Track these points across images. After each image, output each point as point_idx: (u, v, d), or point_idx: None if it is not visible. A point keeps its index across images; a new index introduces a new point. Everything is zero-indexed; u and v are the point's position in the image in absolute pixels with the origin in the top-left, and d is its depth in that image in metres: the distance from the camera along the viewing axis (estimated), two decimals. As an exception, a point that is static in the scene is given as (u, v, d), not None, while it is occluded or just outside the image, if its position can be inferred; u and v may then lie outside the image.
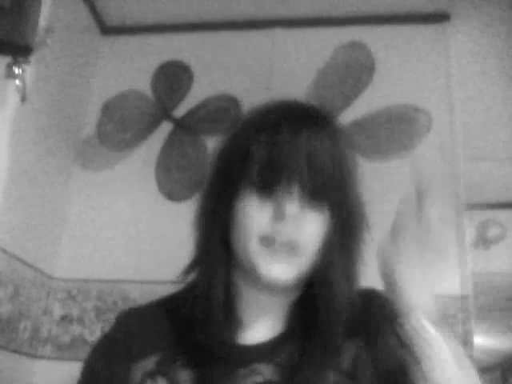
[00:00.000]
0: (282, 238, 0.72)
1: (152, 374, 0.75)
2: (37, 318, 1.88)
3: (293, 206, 0.72)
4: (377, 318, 0.79)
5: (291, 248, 0.73)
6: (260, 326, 0.79)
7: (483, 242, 3.56)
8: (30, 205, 1.82)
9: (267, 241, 0.73)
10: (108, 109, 2.23)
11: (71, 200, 2.10)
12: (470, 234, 2.87)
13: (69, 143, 2.12)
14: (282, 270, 0.73)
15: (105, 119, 2.21)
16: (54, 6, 1.84)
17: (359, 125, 2.05)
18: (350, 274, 0.78)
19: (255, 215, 0.74)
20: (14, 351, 1.74)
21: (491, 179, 3.35)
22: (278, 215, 0.72)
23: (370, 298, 0.83)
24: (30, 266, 1.82)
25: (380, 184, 1.96)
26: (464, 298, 1.79)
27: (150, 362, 0.76)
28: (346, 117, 2.06)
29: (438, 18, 2.16)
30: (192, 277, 0.83)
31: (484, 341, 6.14)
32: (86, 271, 2.00)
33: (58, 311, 1.95)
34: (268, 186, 0.74)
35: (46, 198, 1.94)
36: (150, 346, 0.78)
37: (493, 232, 3.55)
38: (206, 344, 0.74)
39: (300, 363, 0.73)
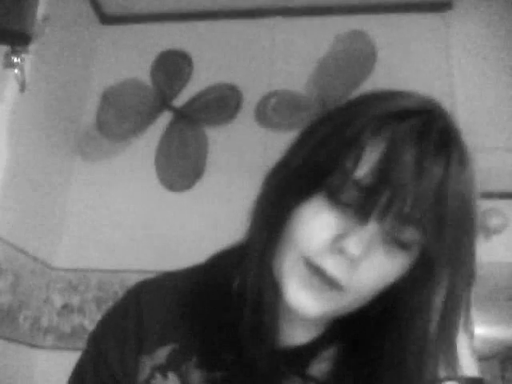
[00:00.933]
0: (328, 272, 0.55)
1: (163, 368, 0.64)
2: (37, 308, 1.88)
3: (361, 244, 0.54)
4: None
5: (333, 286, 0.56)
6: (297, 329, 0.66)
7: (484, 231, 3.56)
8: (30, 195, 1.82)
9: (309, 265, 0.56)
10: (108, 98, 2.22)
11: (71, 190, 2.10)
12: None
13: (68, 133, 2.11)
14: (311, 303, 0.57)
15: (104, 108, 2.21)
16: (53, -5, 1.83)
17: (360, 114, 2.04)
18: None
19: (311, 233, 0.56)
20: (15, 341, 1.75)
21: (493, 169, 3.34)
22: (337, 248, 0.55)
23: None
24: (30, 256, 1.82)
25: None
26: (465, 287, 1.79)
27: (161, 354, 0.65)
28: (347, 106, 2.06)
29: (440, 6, 2.15)
30: (220, 254, 0.72)
31: (484, 330, 6.16)
32: (86, 261, 2.00)
33: (58, 301, 1.96)
34: (349, 207, 0.55)
35: (46, 188, 1.94)
36: (165, 335, 0.66)
37: (494, 222, 3.54)
38: (232, 345, 0.62)
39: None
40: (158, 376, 0.64)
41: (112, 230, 2.02)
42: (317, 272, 0.56)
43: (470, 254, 0.58)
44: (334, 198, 0.55)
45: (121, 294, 2.15)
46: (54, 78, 1.96)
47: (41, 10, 1.60)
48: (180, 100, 2.18)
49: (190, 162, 2.08)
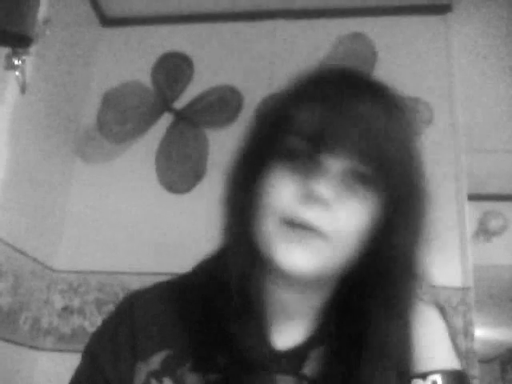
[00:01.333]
0: (306, 223, 0.59)
1: (158, 374, 0.65)
2: (38, 310, 1.88)
3: (326, 186, 0.59)
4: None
5: (317, 235, 0.59)
6: (288, 330, 0.68)
7: (485, 233, 3.56)
8: (30, 197, 1.82)
9: (288, 223, 0.60)
10: (108, 100, 2.22)
11: (72, 192, 2.10)
12: (471, 225, 2.87)
13: (69, 135, 2.11)
14: (302, 258, 0.60)
15: (105, 110, 2.21)
16: (54, -3, 1.84)
17: (360, 116, 2.04)
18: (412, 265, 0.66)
19: (280, 192, 0.60)
20: (15, 343, 1.75)
21: (493, 171, 3.35)
22: (305, 195, 0.59)
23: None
24: (30, 257, 1.82)
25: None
26: (465, 289, 1.80)
27: (156, 361, 0.66)
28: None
29: (440, 9, 2.15)
30: (206, 259, 0.74)
31: (484, 333, 6.16)
32: (86, 263, 2.00)
33: (58, 303, 1.96)
34: (303, 160, 0.61)
35: (46, 189, 1.94)
36: (159, 342, 0.67)
37: (494, 224, 3.55)
38: (233, 347, 0.63)
39: (336, 375, 0.63)
40: (154, 382, 0.65)
41: (112, 231, 2.02)
42: (298, 226, 0.59)
43: (414, 181, 0.65)
44: (291, 157, 0.61)
45: (121, 295, 2.15)
46: (54, 79, 1.96)
47: (41, 12, 1.60)
48: (181, 102, 2.18)
49: (190, 163, 2.09)
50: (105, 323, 0.74)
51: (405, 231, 0.64)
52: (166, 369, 0.65)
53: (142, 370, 0.66)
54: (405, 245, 0.64)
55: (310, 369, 0.65)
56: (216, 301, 0.66)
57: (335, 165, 0.60)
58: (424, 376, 0.65)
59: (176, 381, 0.64)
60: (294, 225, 0.60)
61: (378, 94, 0.65)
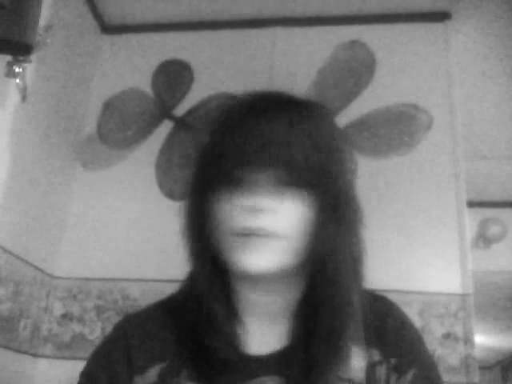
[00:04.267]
0: (256, 231, 0.68)
1: None
2: (37, 317, 1.88)
3: (261, 197, 0.69)
4: (398, 334, 0.76)
5: (266, 237, 0.69)
6: (267, 335, 0.75)
7: (484, 240, 3.56)
8: (30, 203, 1.82)
9: (242, 235, 0.69)
10: (109, 107, 2.23)
11: (72, 199, 2.10)
12: (470, 232, 2.87)
13: (69, 142, 2.12)
14: (261, 257, 0.69)
15: (105, 118, 2.22)
16: (55, 5, 1.84)
17: (360, 123, 2.05)
18: (350, 258, 0.73)
19: (228, 211, 0.70)
20: (15, 350, 1.74)
21: (492, 178, 3.35)
22: (249, 208, 0.69)
23: (387, 308, 0.79)
24: (30, 264, 1.82)
25: (381, 182, 1.97)
26: (465, 296, 1.80)
27: (152, 374, 0.72)
28: (347, 116, 2.07)
29: (439, 16, 2.16)
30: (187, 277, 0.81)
31: (484, 339, 6.15)
32: (86, 270, 2.00)
33: (58, 310, 1.95)
34: (239, 180, 0.70)
35: (46, 196, 1.94)
36: (152, 356, 0.74)
37: (494, 231, 3.55)
38: (212, 355, 0.70)
39: (307, 374, 0.69)
40: None
41: (112, 238, 2.03)
42: (248, 233, 0.68)
43: (335, 179, 0.72)
44: (230, 180, 0.71)
45: (121, 302, 2.15)
46: (55, 87, 1.97)
47: (42, 20, 1.61)
48: (181, 109, 2.18)
49: (190, 171, 2.09)
50: (100, 345, 0.80)
51: (331, 227, 0.71)
52: (162, 380, 0.71)
53: (139, 383, 0.72)
54: (335, 240, 0.71)
55: (285, 370, 0.71)
56: (194, 314, 0.73)
57: (263, 177, 0.69)
58: (403, 371, 0.74)
59: None
60: (247, 235, 0.69)
61: (289, 110, 0.74)
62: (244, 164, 0.70)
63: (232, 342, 0.72)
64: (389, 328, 0.76)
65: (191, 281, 0.78)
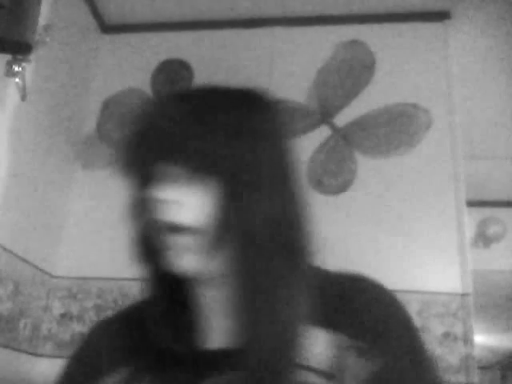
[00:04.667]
0: (170, 224, 0.68)
1: None
2: (37, 316, 1.88)
3: (164, 190, 0.68)
4: (370, 316, 0.68)
5: (187, 232, 0.68)
6: (224, 329, 0.72)
7: (484, 240, 3.56)
8: (30, 203, 1.82)
9: (163, 231, 0.69)
10: (108, 107, 2.23)
11: (71, 198, 2.10)
12: (470, 232, 2.87)
13: (69, 141, 2.12)
14: (186, 258, 0.68)
15: (105, 117, 2.22)
16: (55, 4, 1.84)
17: (359, 123, 2.05)
18: (276, 243, 0.68)
19: (148, 207, 0.70)
20: (15, 349, 1.74)
21: (492, 177, 3.35)
22: (155, 202, 0.69)
23: (359, 289, 0.71)
24: (30, 264, 1.82)
25: (380, 182, 1.97)
26: (464, 295, 1.80)
27: (117, 377, 0.73)
28: (346, 115, 2.07)
29: (439, 16, 2.16)
30: None
31: (484, 339, 6.15)
32: (86, 269, 2.00)
33: (58, 309, 1.96)
34: (145, 177, 0.72)
35: (46, 196, 1.94)
36: (118, 361, 0.74)
37: (493, 230, 3.55)
38: (169, 355, 0.69)
39: (261, 366, 0.64)
40: None
41: (112, 237, 2.02)
42: (165, 232, 0.68)
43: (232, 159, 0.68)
44: (142, 178, 0.72)
45: (120, 301, 2.15)
46: (54, 86, 1.97)
47: (42, 19, 1.61)
48: (180, 108, 2.18)
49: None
50: (73, 353, 0.82)
51: (241, 213, 0.68)
52: (126, 383, 0.72)
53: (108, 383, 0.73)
54: (248, 225, 0.68)
55: (242, 363, 0.66)
56: (149, 318, 0.73)
57: (169, 170, 0.69)
58: (371, 359, 0.67)
59: None
60: (167, 231, 0.68)
61: (191, 102, 0.73)
62: (149, 159, 0.71)
63: (188, 340, 0.71)
64: (360, 310, 0.68)
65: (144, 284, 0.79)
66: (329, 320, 0.67)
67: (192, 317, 0.74)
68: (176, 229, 0.68)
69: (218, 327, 0.73)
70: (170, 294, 0.74)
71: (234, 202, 0.68)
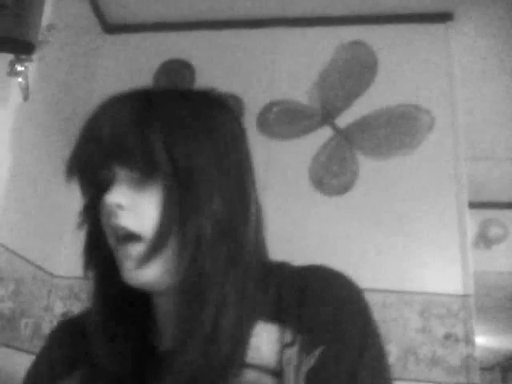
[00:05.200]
0: (121, 230, 0.66)
1: None
2: (38, 316, 1.88)
3: (116, 194, 0.66)
4: (317, 308, 0.65)
5: (136, 240, 0.65)
6: (171, 327, 0.69)
7: (485, 241, 3.56)
8: (31, 203, 1.83)
9: (117, 238, 0.67)
10: (110, 107, 2.22)
11: (72, 197, 2.10)
12: (471, 233, 2.87)
13: (71, 141, 2.12)
14: (142, 273, 0.65)
15: (107, 117, 2.21)
16: (57, 4, 1.85)
17: (361, 124, 2.05)
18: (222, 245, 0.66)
19: (104, 214, 0.68)
20: (16, 348, 1.75)
21: (493, 179, 3.35)
22: (107, 207, 0.66)
23: (310, 278, 0.68)
24: (31, 263, 1.82)
25: (382, 183, 1.97)
26: (465, 297, 1.80)
27: (74, 379, 0.72)
28: (348, 116, 2.07)
29: (441, 17, 2.16)
30: None
31: (485, 340, 6.15)
32: (87, 269, 2.00)
33: (59, 308, 1.96)
34: (98, 182, 0.70)
35: (47, 195, 1.94)
36: (75, 362, 0.73)
37: (495, 231, 3.55)
38: (122, 357, 0.68)
39: (208, 365, 0.62)
40: None
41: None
42: (120, 240, 0.66)
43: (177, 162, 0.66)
44: (92, 184, 0.72)
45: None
46: (57, 86, 1.97)
47: (45, 19, 1.61)
48: (182, 109, 2.18)
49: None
50: (38, 351, 0.83)
51: (188, 214, 0.65)
52: None
53: None
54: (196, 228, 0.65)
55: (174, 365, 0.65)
56: (93, 322, 0.72)
57: (116, 174, 0.67)
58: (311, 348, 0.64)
59: None
60: (121, 238, 0.66)
61: (136, 102, 0.70)
62: (96, 164, 0.68)
63: (140, 343, 0.70)
64: (307, 302, 0.65)
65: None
66: (279, 314, 0.65)
67: (142, 322, 0.72)
68: (126, 237, 0.66)
69: (167, 327, 0.71)
70: (118, 302, 0.71)
71: (177, 206, 0.65)
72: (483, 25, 2.21)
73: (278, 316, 0.65)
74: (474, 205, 2.29)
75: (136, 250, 0.65)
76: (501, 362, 7.34)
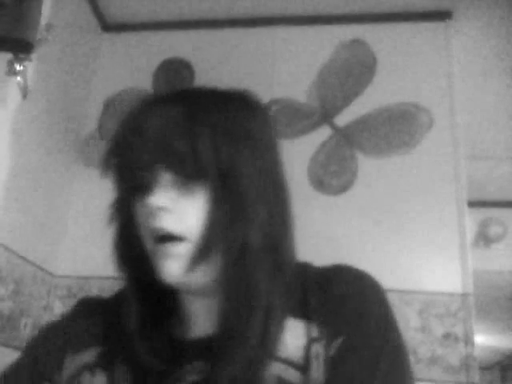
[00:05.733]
0: (161, 232, 0.67)
1: (91, 366, 0.73)
2: (38, 316, 1.88)
3: (159, 196, 0.66)
4: (339, 303, 0.68)
5: (178, 241, 0.67)
6: (202, 320, 0.73)
7: (484, 240, 3.56)
8: (31, 202, 1.82)
9: (156, 238, 0.68)
10: (109, 106, 2.23)
11: (72, 197, 2.10)
12: (471, 232, 2.87)
13: (70, 140, 2.12)
14: (172, 266, 0.67)
15: (106, 116, 2.21)
16: (56, 3, 1.85)
17: (360, 123, 2.05)
18: (262, 249, 0.68)
19: (142, 214, 0.70)
20: (15, 348, 1.74)
21: (492, 178, 3.35)
22: (150, 209, 0.67)
23: (333, 276, 0.72)
24: (31, 263, 1.82)
25: (381, 182, 1.97)
26: (465, 296, 1.80)
27: (90, 354, 0.74)
28: (347, 115, 2.07)
29: (440, 16, 2.16)
30: None
31: (484, 339, 6.15)
32: (87, 268, 2.00)
33: (58, 308, 1.95)
34: (141, 182, 0.70)
35: (47, 195, 1.94)
36: (93, 339, 0.76)
37: (494, 230, 3.55)
38: (141, 340, 0.70)
39: (235, 357, 0.65)
40: (87, 373, 0.72)
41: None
42: (159, 239, 0.67)
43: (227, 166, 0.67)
44: (137, 185, 0.70)
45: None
46: (56, 85, 1.97)
47: (43, 18, 1.61)
48: (181, 108, 2.18)
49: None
50: (52, 321, 0.85)
51: (234, 222, 0.67)
52: (100, 362, 0.72)
53: (73, 362, 0.74)
54: (241, 234, 0.67)
55: (214, 354, 0.67)
56: (127, 310, 0.73)
57: (163, 176, 0.68)
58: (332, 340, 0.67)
59: (109, 372, 0.71)
60: (159, 237, 0.67)
61: (172, 102, 0.70)
62: (141, 165, 0.69)
63: (157, 336, 0.71)
64: (332, 299, 0.69)
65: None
66: (305, 311, 0.68)
67: (173, 315, 0.74)
68: (166, 238, 0.67)
69: (197, 321, 0.74)
70: (151, 295, 0.73)
71: (225, 212, 0.67)
72: (483, 23, 2.21)
73: (303, 312, 0.68)
74: (473, 204, 2.29)
75: (178, 249, 0.67)
76: (500, 361, 7.35)
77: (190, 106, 0.69)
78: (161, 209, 0.66)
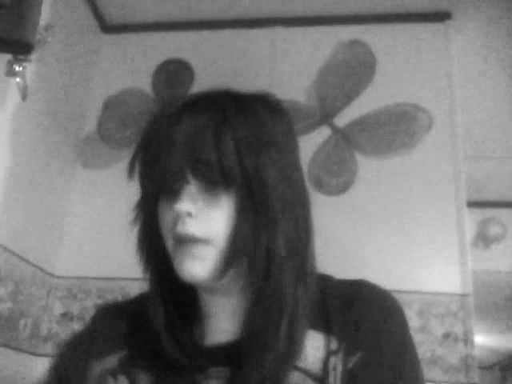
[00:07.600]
0: (186, 234, 0.68)
1: (114, 372, 0.74)
2: (37, 316, 1.88)
3: (187, 202, 0.68)
4: (360, 318, 0.70)
5: (199, 243, 0.68)
6: (223, 327, 0.74)
7: (484, 240, 3.56)
8: (30, 203, 1.82)
9: (178, 241, 0.70)
10: (109, 107, 2.23)
11: (72, 198, 2.10)
12: (470, 232, 2.87)
13: (70, 141, 2.12)
14: (196, 266, 0.68)
15: (105, 117, 2.22)
16: (55, 4, 1.85)
17: (360, 123, 2.05)
18: (287, 254, 0.69)
19: (166, 218, 0.71)
20: (15, 349, 1.74)
21: (492, 178, 3.35)
22: (176, 214, 0.68)
23: (356, 292, 0.72)
24: (30, 263, 1.82)
25: (381, 182, 1.97)
26: (464, 296, 1.80)
27: (112, 360, 0.76)
28: (347, 115, 2.07)
29: (439, 16, 2.16)
30: None
31: (484, 339, 6.15)
32: (86, 269, 2.00)
33: (58, 309, 1.96)
34: (169, 186, 0.71)
35: (46, 196, 1.94)
36: (115, 344, 0.78)
37: (493, 231, 3.55)
38: (164, 346, 0.72)
39: (258, 364, 0.66)
40: (110, 378, 0.74)
41: (112, 237, 2.02)
42: (184, 240, 0.68)
43: (256, 173, 0.68)
44: (164, 188, 0.72)
45: (121, 301, 2.11)
46: (55, 86, 1.97)
47: (43, 19, 1.61)
48: (181, 108, 2.18)
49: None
50: (76, 333, 0.87)
51: (259, 229, 0.68)
52: (121, 367, 0.74)
53: (97, 368, 0.76)
54: (266, 240, 0.68)
55: (236, 361, 0.69)
56: (154, 311, 0.75)
57: (188, 182, 0.69)
58: (350, 354, 0.69)
59: (130, 377, 0.73)
60: (182, 240, 0.69)
61: (207, 107, 0.71)
62: (170, 170, 0.69)
63: (187, 335, 0.73)
64: (352, 313, 0.70)
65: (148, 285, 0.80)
66: (325, 323, 0.70)
67: (193, 316, 0.76)
68: (189, 239, 0.68)
69: (217, 323, 0.75)
70: (173, 296, 0.75)
71: (251, 219, 0.68)
72: (482, 24, 2.21)
73: (323, 325, 0.70)
74: (472, 204, 2.28)
75: (201, 250, 0.68)
76: (500, 361, 7.34)
77: (216, 113, 0.69)
78: (187, 214, 0.68)
